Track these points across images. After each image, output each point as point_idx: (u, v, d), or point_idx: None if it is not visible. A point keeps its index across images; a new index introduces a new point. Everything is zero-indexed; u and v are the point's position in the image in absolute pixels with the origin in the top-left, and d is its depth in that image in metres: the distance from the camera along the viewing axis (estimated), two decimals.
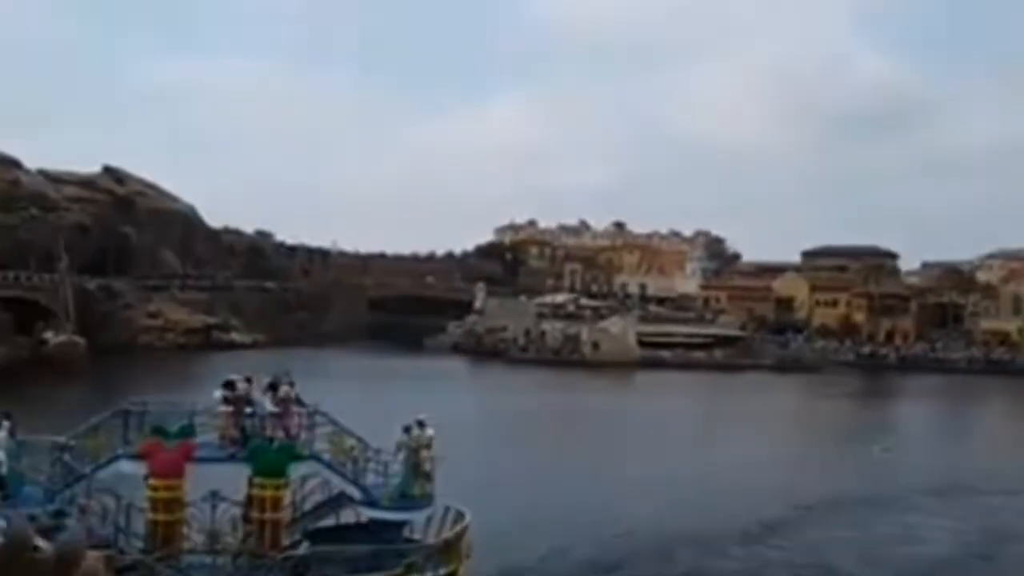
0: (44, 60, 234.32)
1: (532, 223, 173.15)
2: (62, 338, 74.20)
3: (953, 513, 29.90)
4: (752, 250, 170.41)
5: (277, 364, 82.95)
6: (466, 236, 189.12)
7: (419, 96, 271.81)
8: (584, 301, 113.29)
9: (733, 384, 79.52)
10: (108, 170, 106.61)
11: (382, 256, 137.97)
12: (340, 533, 18.38)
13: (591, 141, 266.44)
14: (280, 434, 17.35)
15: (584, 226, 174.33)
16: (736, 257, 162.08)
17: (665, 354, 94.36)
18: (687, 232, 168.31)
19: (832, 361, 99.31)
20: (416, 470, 18.01)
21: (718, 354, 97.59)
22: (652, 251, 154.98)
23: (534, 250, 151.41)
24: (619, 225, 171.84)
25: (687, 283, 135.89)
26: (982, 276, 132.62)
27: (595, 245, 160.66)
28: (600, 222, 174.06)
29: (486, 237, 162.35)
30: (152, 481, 15.97)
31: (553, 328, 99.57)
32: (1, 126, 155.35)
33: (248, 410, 17.54)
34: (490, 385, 75.33)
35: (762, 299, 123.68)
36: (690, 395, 70.94)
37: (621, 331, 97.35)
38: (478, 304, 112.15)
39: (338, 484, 18.07)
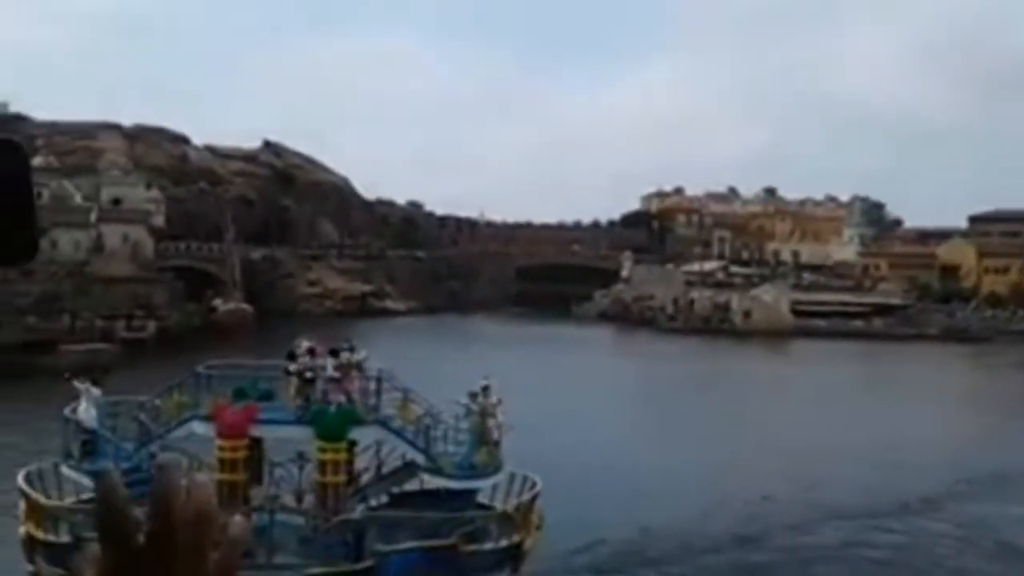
0: (208, 41, 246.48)
1: (679, 191, 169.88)
2: (230, 305, 78.39)
3: None
4: (914, 216, 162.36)
5: (429, 330, 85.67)
6: (612, 205, 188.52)
7: (565, 66, 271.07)
8: (734, 269, 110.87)
9: (894, 354, 76.12)
10: (268, 144, 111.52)
11: (529, 225, 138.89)
12: (419, 498, 18.13)
13: (739, 107, 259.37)
14: (341, 399, 17.44)
15: (733, 193, 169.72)
16: (897, 223, 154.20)
17: (820, 323, 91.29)
18: (843, 197, 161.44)
19: (1003, 331, 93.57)
20: (482, 438, 17.66)
21: (877, 323, 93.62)
22: (805, 217, 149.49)
23: (681, 218, 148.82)
24: (770, 191, 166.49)
25: (843, 250, 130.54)
26: None
27: (745, 212, 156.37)
28: (750, 189, 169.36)
29: (632, 205, 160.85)
30: (218, 441, 16.40)
31: (702, 296, 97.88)
32: (170, 104, 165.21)
33: (309, 375, 17.78)
34: (638, 352, 74.92)
35: (925, 266, 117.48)
36: (847, 365, 68.43)
37: (773, 299, 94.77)
38: (625, 272, 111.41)
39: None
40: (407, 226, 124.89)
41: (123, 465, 16.16)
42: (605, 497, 24.78)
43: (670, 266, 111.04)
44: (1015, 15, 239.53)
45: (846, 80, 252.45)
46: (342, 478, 17.06)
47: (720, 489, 26.71)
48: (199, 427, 17.10)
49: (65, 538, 15.52)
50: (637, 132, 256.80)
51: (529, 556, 17.08)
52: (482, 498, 18.22)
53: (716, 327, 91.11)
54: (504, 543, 16.68)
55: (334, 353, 18.14)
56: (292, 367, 17.99)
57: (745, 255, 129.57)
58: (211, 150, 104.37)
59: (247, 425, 16.37)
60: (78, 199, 77.13)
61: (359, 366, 18.23)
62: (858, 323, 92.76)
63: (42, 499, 16.01)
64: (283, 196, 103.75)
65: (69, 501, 16.46)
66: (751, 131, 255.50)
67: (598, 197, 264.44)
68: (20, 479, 16.35)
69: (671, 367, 62.16)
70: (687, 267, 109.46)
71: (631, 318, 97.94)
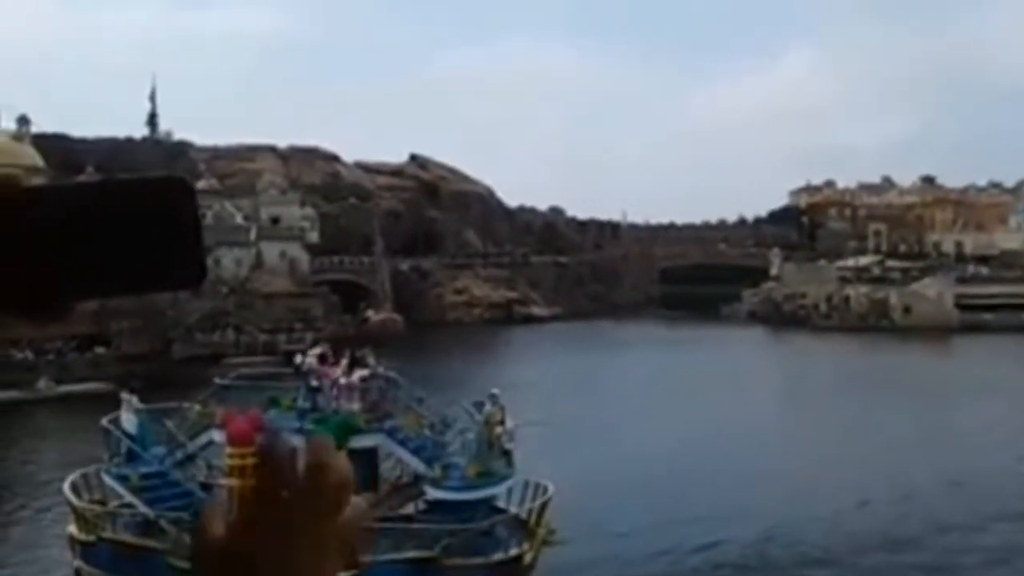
0: (356, 59, 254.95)
1: (829, 184, 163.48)
2: (382, 315, 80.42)
3: None
4: None
5: (575, 335, 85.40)
6: (758, 202, 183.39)
7: (702, 62, 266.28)
8: (891, 263, 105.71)
9: None
10: (414, 158, 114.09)
11: (672, 226, 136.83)
12: (440, 508, 17.37)
13: (886, 93, 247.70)
14: (353, 407, 17.44)
15: (887, 183, 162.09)
16: None
17: (987, 317, 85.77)
18: (1009, 183, 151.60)
19: None
20: (489, 446, 17.09)
21: None
22: (967, 205, 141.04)
23: (832, 212, 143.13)
24: (928, 179, 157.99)
25: (1010, 238, 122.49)
26: None
27: (901, 202, 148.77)
28: (905, 178, 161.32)
29: (780, 201, 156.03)
30: (228, 449, 16.61)
31: (857, 293, 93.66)
32: (323, 124, 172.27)
33: (314, 383, 17.83)
34: (792, 352, 72.38)
35: None
36: (1020, 362, 63.93)
37: (936, 293, 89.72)
38: (774, 270, 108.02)
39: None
40: (549, 232, 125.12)
41: (153, 469, 17.04)
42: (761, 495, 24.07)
43: (822, 262, 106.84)
44: None
45: (1000, 61, 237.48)
46: None
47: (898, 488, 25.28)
48: (216, 435, 17.50)
49: (91, 538, 16.22)
50: (780, 126, 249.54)
51: (532, 569, 16.12)
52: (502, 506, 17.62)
53: (874, 324, 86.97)
54: (498, 557, 15.86)
55: (355, 363, 18.32)
56: (306, 367, 18.41)
57: (903, 248, 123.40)
58: (360, 166, 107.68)
59: (253, 433, 16.60)
60: (239, 219, 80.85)
61: (373, 376, 18.30)
62: None
63: (76, 502, 16.68)
64: (429, 208, 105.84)
65: (112, 504, 17.05)
66: (901, 118, 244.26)
67: (743, 195, 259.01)
68: (66, 484, 17.08)
69: (828, 366, 59.67)
70: (840, 263, 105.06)
71: (782, 318, 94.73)
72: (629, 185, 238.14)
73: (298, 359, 19.55)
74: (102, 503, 16.82)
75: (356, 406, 17.81)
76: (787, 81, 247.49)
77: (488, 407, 17.56)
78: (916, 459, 29.80)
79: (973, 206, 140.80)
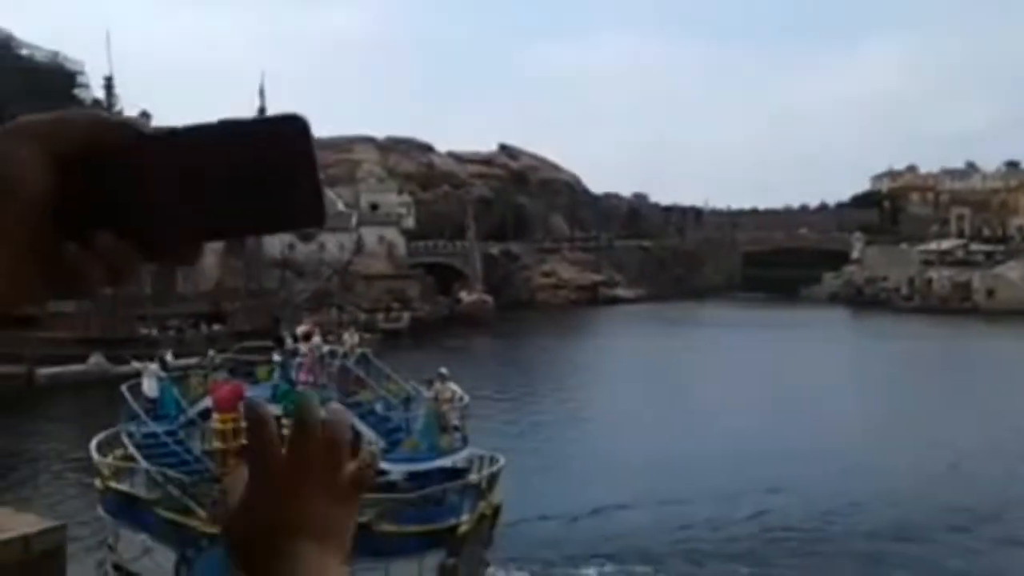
0: (446, 55, 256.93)
1: (912, 169, 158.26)
2: (474, 297, 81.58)
3: None
4: None
5: (657, 316, 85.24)
6: (842, 187, 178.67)
7: (787, 48, 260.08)
8: (975, 247, 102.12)
9: None
10: (503, 148, 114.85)
11: (754, 212, 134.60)
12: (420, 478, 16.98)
13: (970, 80, 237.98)
14: (310, 379, 18.07)
15: (971, 168, 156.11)
16: None
17: None
18: None
19: None
20: (438, 424, 17.17)
21: None
22: None
23: (915, 196, 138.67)
24: (1012, 164, 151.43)
25: None
26: None
27: (985, 187, 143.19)
28: (989, 163, 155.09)
29: (863, 187, 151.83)
30: (215, 415, 17.26)
31: (940, 275, 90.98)
32: (418, 116, 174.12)
33: (277, 357, 18.69)
34: (873, 333, 70.87)
35: None
36: None
37: (1020, 276, 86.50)
38: (856, 253, 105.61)
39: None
40: (633, 217, 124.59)
41: (164, 428, 18.05)
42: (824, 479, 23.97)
43: (904, 246, 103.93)
44: None
45: None
46: None
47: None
48: (209, 402, 18.31)
49: (103, 487, 17.49)
50: (864, 112, 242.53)
51: (470, 541, 16.03)
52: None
53: (957, 307, 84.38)
54: (429, 527, 15.69)
55: (307, 337, 19.03)
56: (289, 344, 19.16)
57: (987, 232, 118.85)
58: (453, 156, 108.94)
59: (235, 400, 17.09)
60: (340, 206, 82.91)
61: (331, 353, 18.94)
62: None
63: (96, 456, 17.77)
64: (518, 194, 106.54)
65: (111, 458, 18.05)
66: (985, 104, 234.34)
67: (826, 180, 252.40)
68: (93, 442, 18.10)
69: (909, 346, 58.31)
70: (922, 246, 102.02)
71: (863, 300, 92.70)
72: (712, 172, 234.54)
73: (286, 337, 20.27)
74: (129, 459, 17.81)
75: (321, 380, 18.45)
76: (871, 70, 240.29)
77: (437, 384, 17.79)
78: (995, 440, 29.22)
79: None
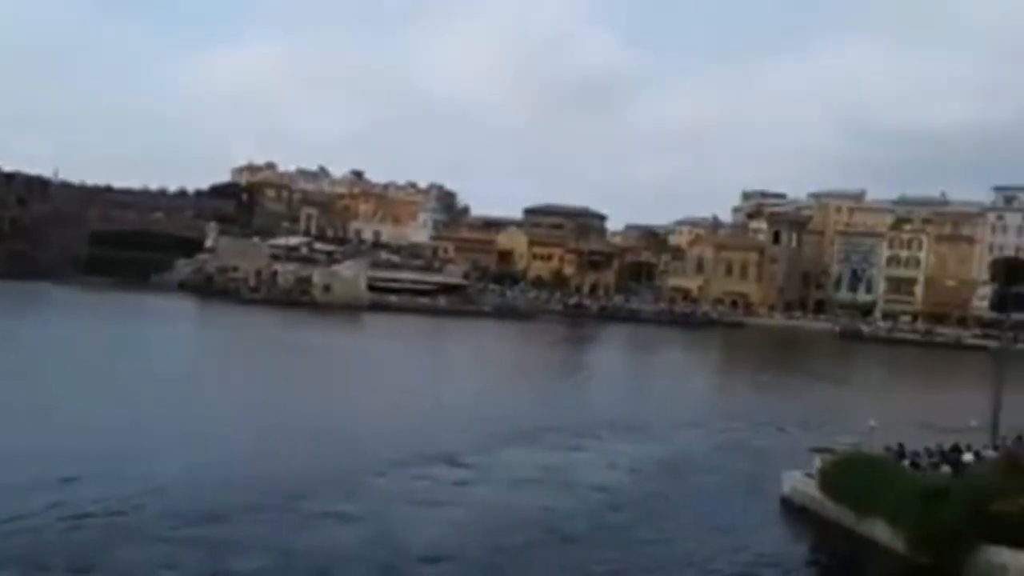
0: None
1: (271, 166, 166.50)
2: None
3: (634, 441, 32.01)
4: (481, 205, 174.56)
5: None
6: (206, 176, 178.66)
7: (173, 33, 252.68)
8: (318, 245, 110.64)
9: (455, 328, 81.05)
10: None
11: (109, 189, 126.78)
12: None
13: (335, 89, 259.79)
14: None
15: (323, 172, 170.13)
16: (465, 211, 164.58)
17: (392, 299, 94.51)
18: (422, 184, 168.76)
19: (544, 310, 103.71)
20: None
21: (442, 300, 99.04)
22: (388, 200, 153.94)
23: (271, 192, 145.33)
24: (357, 173, 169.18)
25: (419, 233, 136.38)
26: (673, 239, 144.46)
27: (332, 191, 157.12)
28: (339, 170, 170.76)
29: (223, 177, 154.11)
30: None
31: (285, 270, 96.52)
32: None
33: None
34: (215, 324, 71.81)
35: (486, 251, 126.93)
36: (415, 337, 71.47)
37: (352, 275, 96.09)
38: (209, 243, 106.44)
39: None
40: None
41: None
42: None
43: (256, 239, 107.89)
44: (574, 37, 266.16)
45: (433, 74, 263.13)
46: None
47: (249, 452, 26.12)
48: None
49: None
50: (238, 105, 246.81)
51: None
52: None
53: (297, 300, 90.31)
54: None
55: None
56: None
57: (330, 232, 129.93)
58: None
59: None
60: None
61: None
62: (425, 300, 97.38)
63: None
64: None
65: None
66: (343, 117, 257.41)
67: (188, 167, 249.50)
68: None
69: (251, 336, 60.26)
70: (273, 241, 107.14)
71: (213, 289, 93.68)
72: (65, 142, 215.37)
73: None
74: None
75: None
76: (239, 65, 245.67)
77: None
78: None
79: (392, 201, 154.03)
